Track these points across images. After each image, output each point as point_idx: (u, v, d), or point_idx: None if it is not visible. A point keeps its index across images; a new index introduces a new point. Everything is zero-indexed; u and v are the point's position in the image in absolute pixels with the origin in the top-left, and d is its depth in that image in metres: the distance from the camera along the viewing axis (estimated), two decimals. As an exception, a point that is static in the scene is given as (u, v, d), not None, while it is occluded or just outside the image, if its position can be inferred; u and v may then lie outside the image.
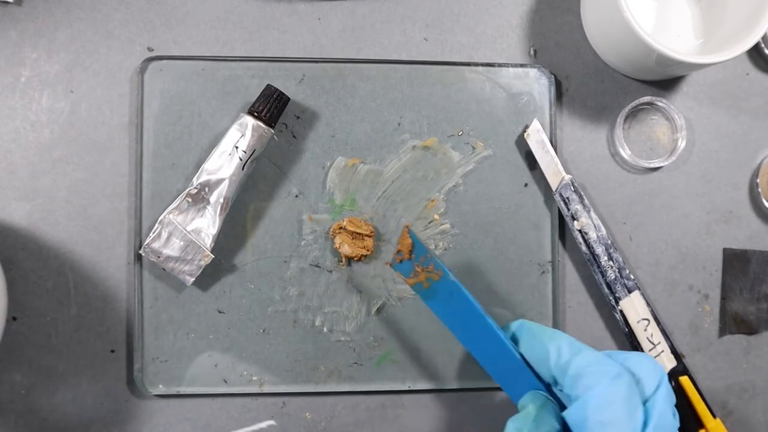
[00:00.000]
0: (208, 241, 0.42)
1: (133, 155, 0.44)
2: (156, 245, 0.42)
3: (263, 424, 0.35)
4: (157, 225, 0.42)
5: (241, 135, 0.41)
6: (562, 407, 0.35)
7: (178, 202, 0.42)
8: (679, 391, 0.44)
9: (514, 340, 0.37)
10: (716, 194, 0.47)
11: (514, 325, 0.37)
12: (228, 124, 0.42)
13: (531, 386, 0.36)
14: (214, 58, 0.44)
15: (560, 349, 0.34)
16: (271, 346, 0.44)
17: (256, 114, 0.42)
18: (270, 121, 0.42)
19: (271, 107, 0.42)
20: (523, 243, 0.45)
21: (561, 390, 0.35)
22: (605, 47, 0.45)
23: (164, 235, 0.42)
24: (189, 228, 0.42)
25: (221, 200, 0.42)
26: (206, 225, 0.42)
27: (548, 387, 0.36)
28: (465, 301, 0.35)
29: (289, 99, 0.43)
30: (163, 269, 0.42)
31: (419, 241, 0.35)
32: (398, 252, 0.35)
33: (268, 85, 0.42)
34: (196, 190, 0.42)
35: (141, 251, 0.42)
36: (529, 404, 0.34)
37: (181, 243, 0.41)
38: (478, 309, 0.35)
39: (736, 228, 0.47)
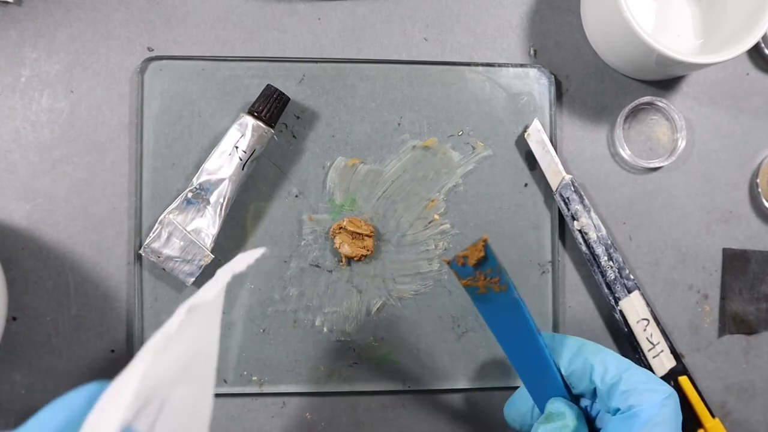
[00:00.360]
0: (208, 241, 0.42)
1: (133, 155, 0.44)
2: (156, 245, 0.42)
3: (257, 253, 0.32)
4: (157, 225, 0.42)
5: (241, 135, 0.41)
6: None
7: (178, 202, 0.42)
8: (679, 391, 0.44)
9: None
10: (716, 194, 0.47)
11: (547, 336, 0.38)
12: (228, 124, 0.42)
13: (560, 395, 0.36)
14: (214, 58, 0.44)
15: (606, 365, 0.35)
16: (271, 346, 0.44)
17: (256, 114, 0.42)
18: (270, 121, 0.42)
19: (271, 107, 0.42)
20: (523, 243, 0.45)
21: (593, 403, 0.37)
22: (605, 47, 0.45)
23: (164, 235, 0.42)
24: (189, 228, 0.42)
25: (221, 200, 0.42)
26: (206, 225, 0.42)
27: (573, 397, 0.37)
28: (520, 318, 0.35)
29: (289, 99, 0.43)
30: (163, 269, 0.42)
31: (494, 257, 0.33)
32: (463, 257, 0.33)
33: (268, 85, 0.42)
34: (196, 190, 0.42)
35: (141, 251, 0.42)
36: (566, 414, 0.35)
37: (181, 243, 0.41)
38: (533, 328, 0.35)
39: (736, 228, 0.47)
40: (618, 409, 0.34)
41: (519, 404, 0.39)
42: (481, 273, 0.33)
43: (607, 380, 0.35)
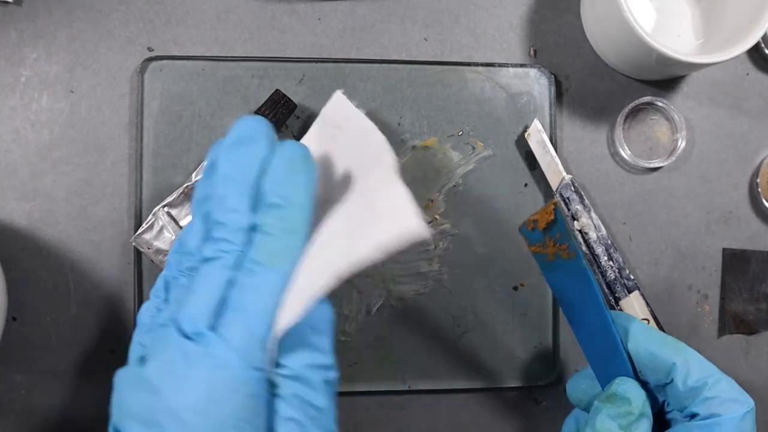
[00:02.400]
0: (203, 240, 0.42)
1: (133, 155, 0.44)
2: (147, 236, 0.42)
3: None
4: (151, 216, 0.42)
5: (243, 136, 0.41)
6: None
7: (174, 196, 0.42)
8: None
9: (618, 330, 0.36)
10: (716, 194, 0.47)
11: (622, 316, 0.37)
12: (228, 124, 0.42)
13: (626, 375, 0.35)
14: (214, 58, 0.44)
15: (689, 366, 0.34)
16: (271, 346, 0.44)
17: (261, 118, 0.42)
18: (275, 126, 0.42)
19: (277, 113, 0.42)
20: (523, 243, 0.45)
21: (660, 393, 0.35)
22: (605, 47, 0.45)
23: (156, 227, 0.42)
24: (182, 223, 0.42)
25: (220, 200, 0.42)
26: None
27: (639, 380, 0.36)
28: (588, 288, 0.34)
29: (296, 106, 0.43)
30: (152, 261, 0.42)
31: (564, 221, 0.33)
32: (533, 221, 0.34)
33: (276, 90, 0.42)
34: (193, 187, 0.42)
35: (132, 241, 0.42)
36: (631, 399, 0.34)
37: (172, 237, 0.41)
38: (600, 300, 0.34)
39: (736, 228, 0.47)
40: (695, 414, 0.33)
41: (585, 385, 0.37)
42: (550, 239, 0.33)
43: (689, 383, 0.33)
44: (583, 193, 0.44)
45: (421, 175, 0.45)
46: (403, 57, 0.46)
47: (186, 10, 0.45)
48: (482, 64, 0.45)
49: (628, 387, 0.34)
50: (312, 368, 0.28)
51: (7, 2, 0.43)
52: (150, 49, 0.44)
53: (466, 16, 0.46)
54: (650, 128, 0.47)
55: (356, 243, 0.31)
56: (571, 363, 0.46)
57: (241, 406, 0.26)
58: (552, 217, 0.33)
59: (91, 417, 0.44)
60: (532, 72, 0.45)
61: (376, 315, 0.45)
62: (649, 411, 0.34)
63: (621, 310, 0.44)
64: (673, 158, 0.46)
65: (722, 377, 0.34)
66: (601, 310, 0.34)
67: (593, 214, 0.44)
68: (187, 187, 0.42)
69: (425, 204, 0.45)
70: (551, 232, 0.34)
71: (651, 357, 0.35)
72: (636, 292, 0.44)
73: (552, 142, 0.44)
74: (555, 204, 0.33)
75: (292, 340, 0.28)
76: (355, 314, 0.44)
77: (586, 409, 0.38)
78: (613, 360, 0.35)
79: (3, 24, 0.44)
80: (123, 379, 0.28)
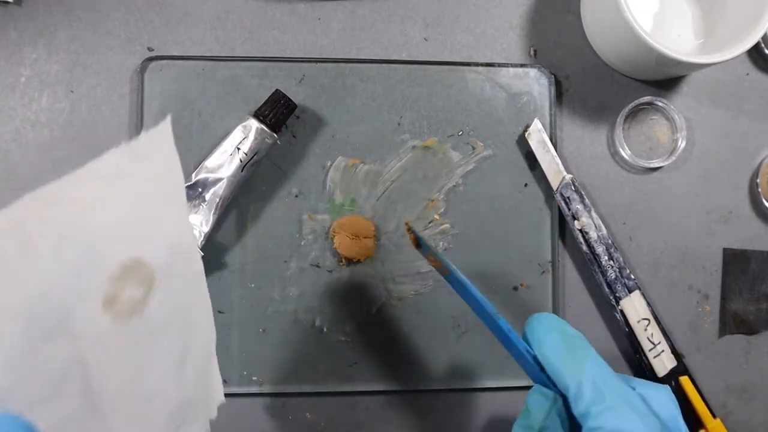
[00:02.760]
0: (199, 239, 0.41)
1: (133, 155, 0.44)
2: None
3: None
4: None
5: (244, 137, 0.41)
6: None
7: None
8: (679, 392, 0.44)
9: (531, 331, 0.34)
10: (716, 194, 0.47)
11: (535, 321, 0.34)
12: (228, 124, 0.42)
13: (539, 381, 0.33)
14: (214, 58, 0.44)
15: (582, 390, 0.30)
16: (271, 346, 0.44)
17: (261, 118, 0.42)
18: (275, 126, 0.42)
19: (277, 113, 0.42)
20: (523, 243, 0.45)
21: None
22: (605, 47, 0.45)
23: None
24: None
25: (217, 199, 0.41)
26: (199, 222, 0.42)
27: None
28: (476, 299, 0.34)
29: (296, 106, 0.43)
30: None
31: (421, 237, 0.34)
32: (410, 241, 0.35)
33: (276, 90, 0.42)
34: (192, 186, 0.41)
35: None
36: (531, 411, 0.31)
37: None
38: (488, 310, 0.34)
39: (736, 228, 0.47)
40: None
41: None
42: (429, 255, 0.34)
43: (579, 408, 0.30)
44: (583, 193, 0.44)
45: (421, 175, 0.45)
46: (403, 57, 0.46)
47: (186, 10, 0.45)
48: (482, 64, 0.45)
49: (533, 397, 0.32)
50: None
51: (7, 2, 0.43)
52: (150, 49, 0.44)
53: (466, 16, 0.46)
54: (650, 128, 0.47)
55: None
56: (571, 363, 0.46)
57: None
58: (412, 235, 0.34)
59: (90, 417, 0.44)
60: (532, 72, 0.45)
61: (376, 315, 0.45)
62: (555, 424, 0.31)
63: (622, 309, 0.44)
64: (673, 158, 0.46)
65: (612, 405, 0.30)
66: (496, 322, 0.33)
67: (593, 214, 0.44)
68: (185, 186, 0.42)
69: (425, 204, 0.45)
70: (424, 250, 0.34)
71: (553, 371, 0.32)
72: (637, 292, 0.44)
73: (552, 142, 0.44)
74: (407, 223, 0.34)
75: None
76: (355, 314, 0.44)
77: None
78: (524, 364, 0.34)
79: (3, 24, 0.44)
80: None
